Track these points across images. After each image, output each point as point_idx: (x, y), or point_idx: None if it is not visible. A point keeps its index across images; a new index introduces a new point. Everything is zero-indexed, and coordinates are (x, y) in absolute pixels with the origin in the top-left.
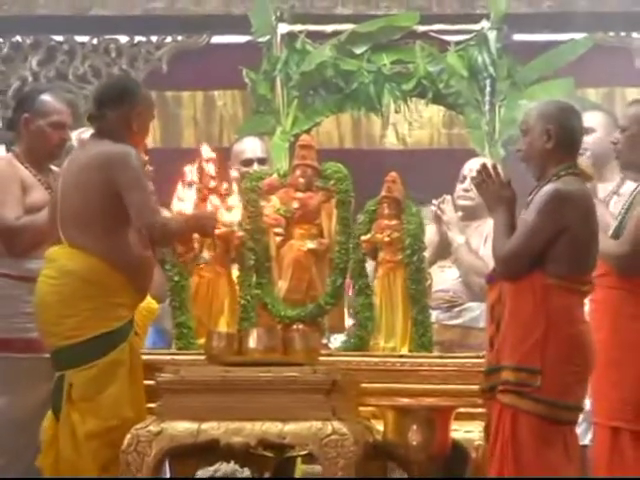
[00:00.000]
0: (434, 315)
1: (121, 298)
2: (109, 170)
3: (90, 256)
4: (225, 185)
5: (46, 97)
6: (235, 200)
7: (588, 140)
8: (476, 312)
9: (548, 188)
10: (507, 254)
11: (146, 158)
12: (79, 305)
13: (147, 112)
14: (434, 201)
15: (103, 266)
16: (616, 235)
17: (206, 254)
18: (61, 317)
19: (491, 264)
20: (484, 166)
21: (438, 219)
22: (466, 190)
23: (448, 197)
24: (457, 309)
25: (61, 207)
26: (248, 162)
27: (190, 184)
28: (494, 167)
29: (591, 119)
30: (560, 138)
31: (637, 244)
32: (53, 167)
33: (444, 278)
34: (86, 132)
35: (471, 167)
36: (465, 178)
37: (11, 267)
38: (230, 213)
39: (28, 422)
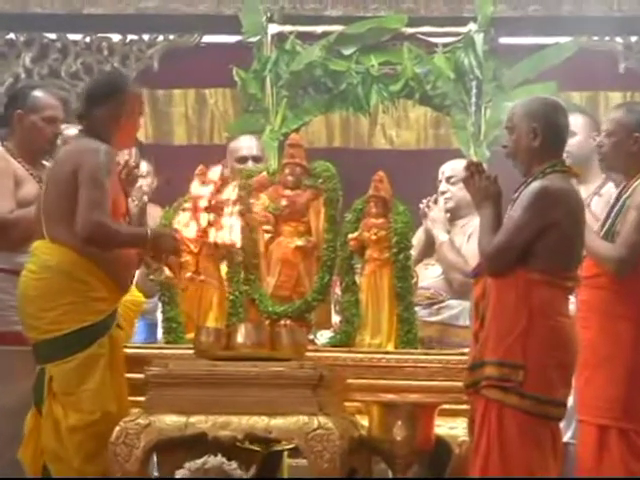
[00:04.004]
0: None
1: (100, 292)
2: (76, 166)
3: (69, 251)
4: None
5: (38, 93)
6: (234, 221)
7: (569, 143)
8: (456, 310)
9: (534, 185)
10: (493, 250)
11: (127, 157)
12: (58, 299)
13: (135, 109)
14: (423, 200)
15: (82, 261)
16: (606, 237)
17: (167, 271)
18: (41, 311)
19: (472, 262)
20: (471, 162)
21: (425, 217)
22: (443, 192)
23: (440, 198)
24: (437, 306)
25: (43, 202)
26: (243, 159)
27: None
28: (479, 164)
29: (572, 122)
30: (546, 136)
31: (634, 247)
32: (45, 162)
33: (426, 275)
34: (68, 129)
35: (443, 170)
36: (441, 182)
37: (2, 260)
38: (225, 232)
39: (19, 412)
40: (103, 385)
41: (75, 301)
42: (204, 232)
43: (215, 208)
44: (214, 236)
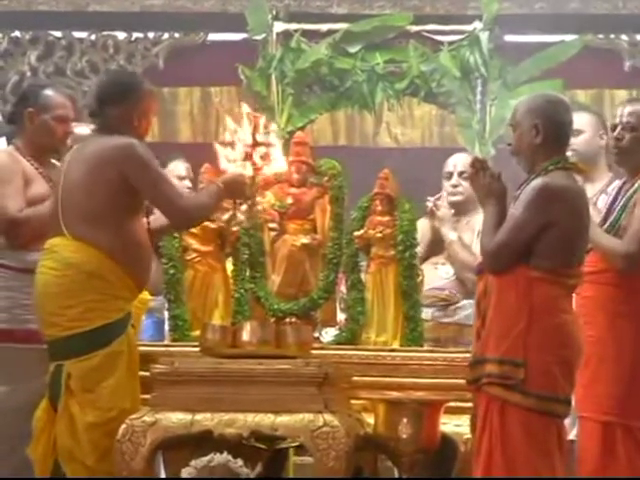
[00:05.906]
0: (430, 313)
1: (121, 291)
2: (120, 165)
3: (94, 249)
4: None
5: (49, 92)
6: (277, 151)
7: (576, 141)
8: (469, 310)
9: (536, 183)
10: (494, 248)
11: None
12: (81, 296)
13: (149, 108)
14: (429, 197)
15: (106, 259)
16: (609, 232)
17: (241, 215)
18: (63, 308)
19: None
20: (476, 159)
21: (432, 215)
22: (454, 186)
23: (444, 194)
24: (452, 307)
25: (64, 201)
26: None
27: (231, 144)
28: (484, 161)
29: (579, 120)
30: (548, 132)
31: None
32: (54, 161)
33: (438, 276)
34: (78, 127)
35: (455, 163)
36: (451, 174)
37: (12, 259)
38: (274, 165)
39: (30, 410)
40: (121, 383)
41: (98, 299)
42: (257, 169)
43: (256, 142)
44: (268, 169)
